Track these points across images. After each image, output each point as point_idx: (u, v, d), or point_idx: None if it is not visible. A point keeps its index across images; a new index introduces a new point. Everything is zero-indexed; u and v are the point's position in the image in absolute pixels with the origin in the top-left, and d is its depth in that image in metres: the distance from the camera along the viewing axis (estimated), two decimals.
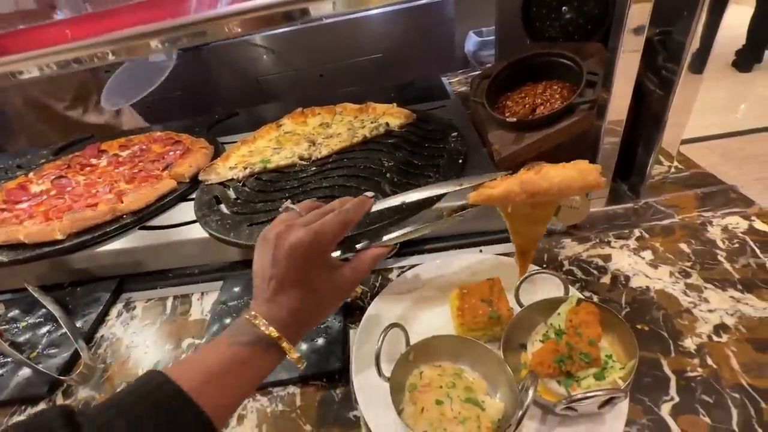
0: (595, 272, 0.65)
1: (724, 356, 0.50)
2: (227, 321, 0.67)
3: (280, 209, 0.51)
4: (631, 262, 0.65)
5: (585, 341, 0.46)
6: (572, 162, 0.44)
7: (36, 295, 0.77)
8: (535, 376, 0.44)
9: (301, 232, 0.43)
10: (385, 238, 0.53)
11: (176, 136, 1.15)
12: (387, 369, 0.49)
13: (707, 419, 0.45)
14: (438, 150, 0.85)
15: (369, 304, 0.64)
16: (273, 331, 0.41)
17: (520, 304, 0.56)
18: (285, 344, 0.41)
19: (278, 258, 0.43)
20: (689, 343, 0.52)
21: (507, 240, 0.74)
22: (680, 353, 0.51)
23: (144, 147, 1.13)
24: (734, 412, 0.45)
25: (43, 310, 0.75)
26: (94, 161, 1.10)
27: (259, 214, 0.76)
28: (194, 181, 0.93)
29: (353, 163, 0.85)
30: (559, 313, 0.52)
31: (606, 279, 0.63)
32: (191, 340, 0.68)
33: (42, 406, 0.62)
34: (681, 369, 0.50)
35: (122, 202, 0.84)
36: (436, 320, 0.61)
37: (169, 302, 0.76)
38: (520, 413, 0.41)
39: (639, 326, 0.55)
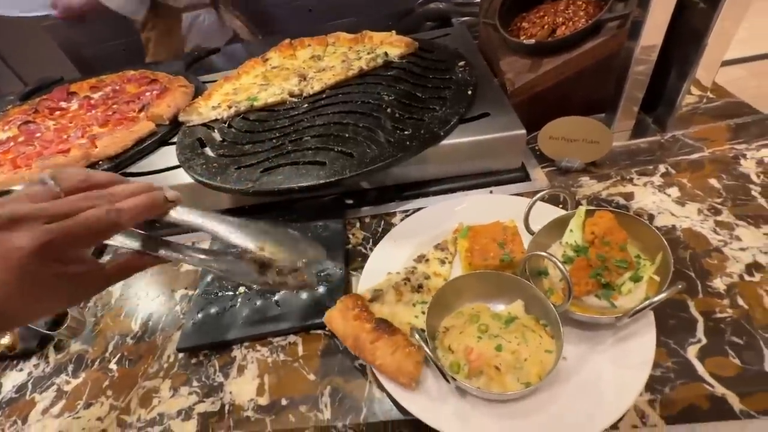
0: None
1: (756, 296, 0.47)
2: None
3: (37, 178, 0.36)
4: (655, 200, 0.60)
5: (616, 248, 0.44)
6: (405, 351, 0.44)
7: None
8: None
9: (25, 239, 0.31)
10: (164, 252, 0.43)
11: (152, 74, 1.04)
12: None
13: (736, 361, 0.42)
14: (444, 81, 0.76)
15: (371, 250, 0.60)
16: None
17: (531, 232, 0.52)
18: None
19: None
20: (718, 284, 0.49)
21: (520, 180, 0.68)
22: (708, 294, 0.48)
23: (117, 88, 1.02)
24: (766, 353, 0.42)
25: None
26: (63, 105, 1.00)
27: (247, 156, 0.69)
28: (175, 124, 0.84)
29: (350, 98, 0.76)
30: (571, 230, 0.49)
31: None
32: (184, 291, 0.64)
33: (34, 360, 0.59)
34: (709, 310, 0.46)
35: (96, 147, 0.76)
36: (444, 265, 0.56)
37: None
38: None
39: None
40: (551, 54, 0.70)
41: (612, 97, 0.70)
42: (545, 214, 0.53)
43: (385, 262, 0.57)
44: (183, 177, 0.70)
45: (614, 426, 0.40)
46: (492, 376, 0.40)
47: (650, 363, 0.41)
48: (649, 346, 0.42)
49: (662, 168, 0.65)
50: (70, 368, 0.57)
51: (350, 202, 0.71)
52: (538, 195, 0.51)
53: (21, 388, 0.56)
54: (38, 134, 0.88)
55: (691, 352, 0.43)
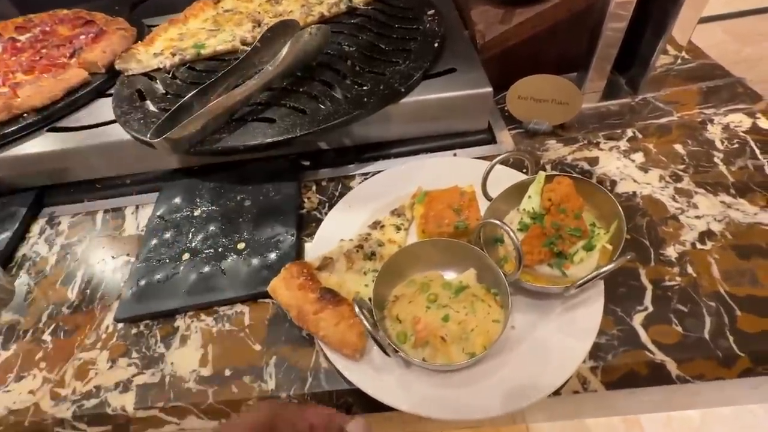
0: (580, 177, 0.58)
1: (705, 264, 0.47)
2: (167, 236, 0.59)
3: None
4: (619, 166, 0.58)
5: (571, 216, 0.43)
6: (349, 323, 0.42)
7: None
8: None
9: None
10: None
11: (88, 14, 0.92)
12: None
13: (679, 328, 0.42)
14: (410, 32, 0.70)
15: (326, 215, 0.57)
16: None
17: (489, 198, 0.50)
18: None
19: None
20: (671, 252, 0.48)
21: (486, 142, 0.65)
22: (660, 262, 0.48)
23: (47, 29, 0.90)
24: (707, 321, 0.42)
25: None
26: None
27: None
28: (113, 73, 0.76)
29: None
30: (529, 196, 0.47)
31: None
32: (126, 257, 0.60)
33: None
34: (659, 278, 0.46)
35: (18, 97, 0.67)
36: (399, 232, 0.54)
37: (99, 216, 0.66)
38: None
39: None
40: (525, 4, 0.65)
41: (585, 55, 0.66)
42: (507, 178, 0.51)
43: (338, 229, 0.54)
44: (119, 133, 0.64)
45: (556, 392, 0.40)
46: (437, 346, 0.39)
47: (595, 331, 0.40)
48: (595, 315, 0.41)
49: (630, 132, 0.63)
50: (0, 340, 0.53)
51: (306, 163, 0.66)
52: (498, 158, 0.48)
53: None
54: None
55: (637, 320, 0.43)
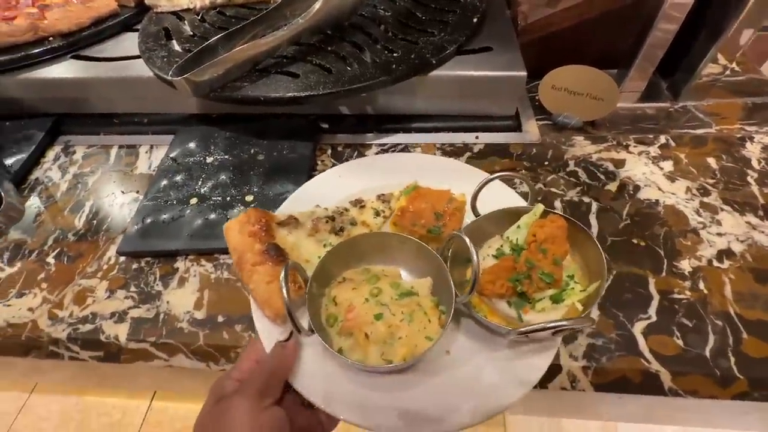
0: (602, 177, 0.56)
1: (719, 283, 0.45)
2: (177, 178, 0.59)
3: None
4: (646, 171, 0.56)
5: (549, 260, 0.38)
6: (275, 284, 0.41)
7: None
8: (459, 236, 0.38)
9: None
10: None
11: None
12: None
13: (680, 342, 0.41)
14: (450, 3, 0.67)
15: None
16: None
17: (476, 214, 0.46)
18: None
19: None
20: (685, 265, 0.47)
21: (511, 129, 0.63)
22: (672, 274, 0.46)
23: None
24: (711, 339, 0.41)
25: None
26: None
27: None
28: (142, 8, 0.74)
29: None
30: (519, 226, 0.43)
31: (612, 186, 0.55)
32: (135, 194, 0.60)
33: None
34: (668, 290, 0.45)
35: (46, 20, 0.67)
36: (377, 218, 0.50)
37: (114, 151, 0.66)
38: (474, 276, 0.35)
39: (635, 240, 0.49)
40: None
41: (629, 52, 0.63)
42: (505, 200, 0.48)
43: (318, 194, 0.52)
44: (142, 69, 0.63)
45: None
46: (359, 341, 0.38)
47: (530, 386, 0.37)
48: (537, 369, 0.37)
49: (663, 139, 0.60)
50: (6, 256, 0.54)
51: (325, 126, 0.65)
52: (496, 175, 0.44)
53: None
54: None
55: (638, 328, 0.42)
